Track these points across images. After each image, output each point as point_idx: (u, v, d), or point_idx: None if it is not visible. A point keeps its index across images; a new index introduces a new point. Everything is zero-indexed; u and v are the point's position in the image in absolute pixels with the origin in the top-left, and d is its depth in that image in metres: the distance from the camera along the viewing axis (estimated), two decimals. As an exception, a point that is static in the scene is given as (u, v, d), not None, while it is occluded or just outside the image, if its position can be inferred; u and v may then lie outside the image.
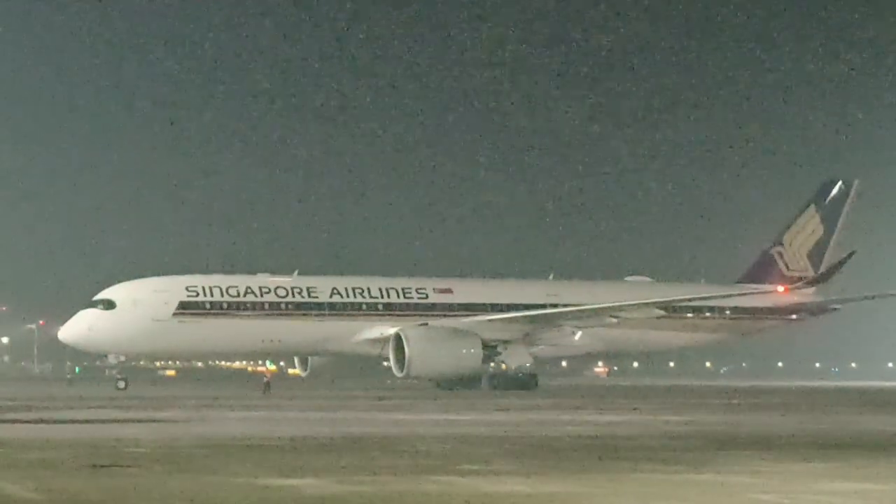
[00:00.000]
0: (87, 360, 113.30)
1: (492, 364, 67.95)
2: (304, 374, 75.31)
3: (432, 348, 64.89)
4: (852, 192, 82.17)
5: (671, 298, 72.46)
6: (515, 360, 68.67)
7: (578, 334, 70.94)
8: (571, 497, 15.00)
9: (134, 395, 56.76)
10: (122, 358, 66.63)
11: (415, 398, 53.23)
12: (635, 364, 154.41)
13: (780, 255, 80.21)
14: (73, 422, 32.11)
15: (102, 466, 18.25)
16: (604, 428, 30.02)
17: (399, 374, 65.08)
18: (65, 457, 19.93)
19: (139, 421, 32.52)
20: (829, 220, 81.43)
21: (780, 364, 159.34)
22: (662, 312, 71.38)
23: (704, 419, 35.23)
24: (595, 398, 54.19)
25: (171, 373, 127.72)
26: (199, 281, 66.37)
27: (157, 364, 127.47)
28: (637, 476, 17.72)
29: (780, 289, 72.89)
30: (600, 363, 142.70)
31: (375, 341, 67.23)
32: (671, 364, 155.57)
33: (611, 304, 69.64)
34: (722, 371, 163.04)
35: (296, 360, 75.43)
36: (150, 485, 15.86)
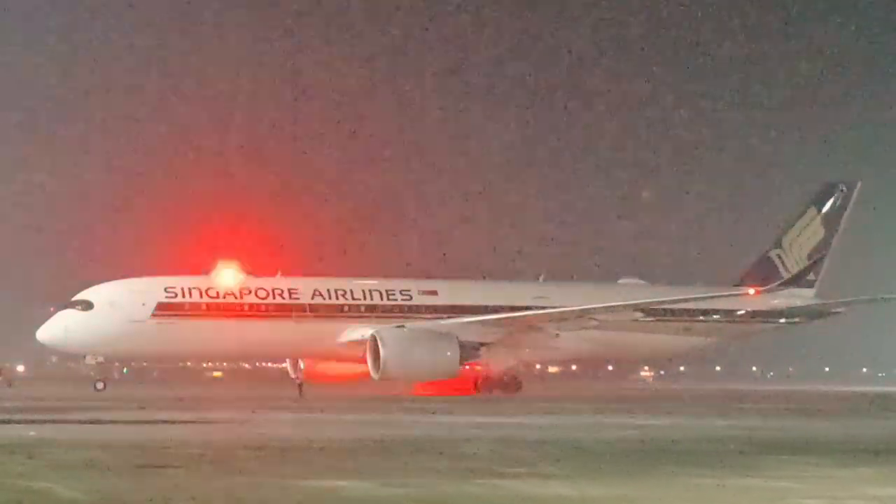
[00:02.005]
0: (134, 361, 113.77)
1: (478, 366, 67.18)
2: (294, 376, 74.75)
3: (408, 350, 63.84)
4: (854, 195, 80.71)
5: (646, 301, 70.73)
6: (499, 363, 67.85)
7: (566, 337, 70.00)
8: (616, 501, 14.99)
9: (174, 395, 57.05)
10: (100, 359, 66.18)
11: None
12: (682, 368, 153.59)
13: (780, 257, 78.40)
14: (119, 422, 32.29)
15: (148, 467, 18.35)
16: (648, 431, 29.94)
17: (375, 376, 64.42)
18: (111, 457, 20.04)
19: (185, 422, 32.67)
20: (830, 223, 79.69)
21: (826, 369, 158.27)
22: (641, 315, 70.35)
23: (749, 423, 35.08)
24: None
25: (217, 374, 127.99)
26: (178, 282, 65.80)
27: (205, 366, 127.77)
28: (682, 480, 17.68)
29: (751, 291, 70.86)
30: (646, 367, 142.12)
31: (358, 343, 65.78)
32: (717, 368, 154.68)
33: (583, 307, 68.33)
34: (769, 375, 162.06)
35: (288, 362, 74.99)
36: (195, 486, 15.95)
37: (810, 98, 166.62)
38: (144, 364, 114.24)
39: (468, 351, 66.24)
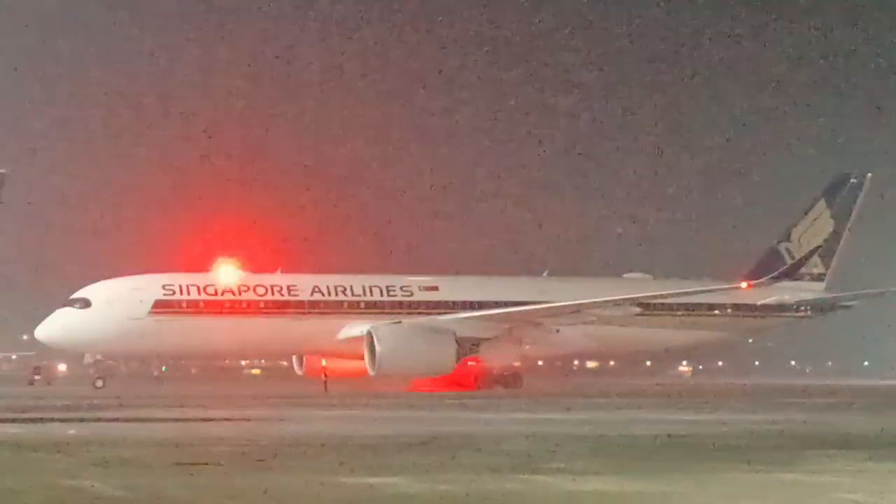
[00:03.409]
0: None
1: (477, 362, 66.70)
2: (299, 373, 74.65)
3: (404, 346, 63.45)
4: (865, 186, 79.80)
5: (640, 295, 69.62)
6: (499, 358, 67.46)
7: (567, 332, 69.53)
8: (657, 496, 14.93)
9: (208, 394, 57.21)
10: (99, 357, 66.26)
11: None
12: (720, 363, 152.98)
13: (788, 250, 77.35)
14: (159, 420, 32.42)
15: (187, 464, 18.40)
16: (688, 427, 29.84)
17: (371, 373, 64.15)
18: (151, 455, 20.11)
19: (223, 420, 32.76)
20: (841, 216, 78.53)
21: (865, 363, 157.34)
22: (639, 310, 69.73)
23: (790, 418, 34.92)
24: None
25: (256, 371, 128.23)
26: (176, 279, 65.79)
27: (243, 363, 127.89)
28: (722, 476, 17.60)
29: (744, 285, 69.81)
30: (684, 362, 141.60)
31: (357, 340, 65.21)
32: (756, 363, 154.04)
33: (577, 302, 67.89)
34: (807, 370, 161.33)
35: (293, 358, 74.84)
36: (234, 483, 15.98)
37: (821, 89, 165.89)
38: (183, 362, 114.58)
39: (466, 347, 65.90)
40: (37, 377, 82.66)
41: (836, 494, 15.44)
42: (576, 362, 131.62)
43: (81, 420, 32.12)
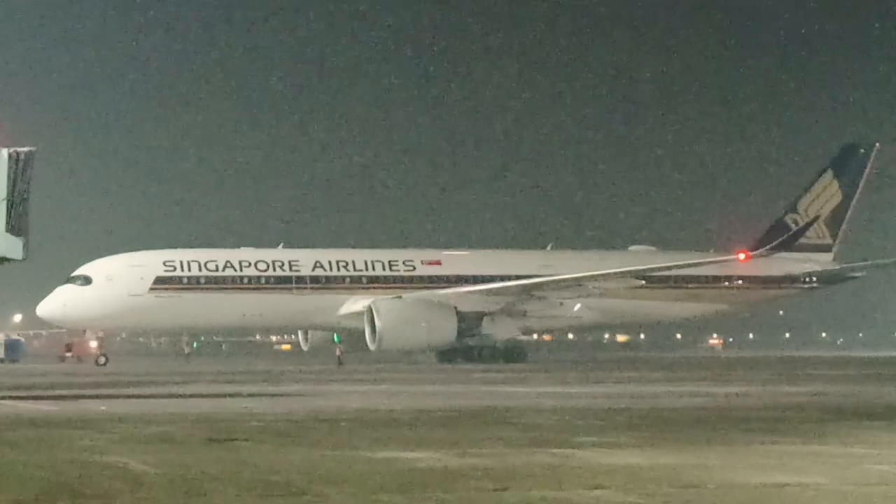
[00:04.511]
0: (205, 336, 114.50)
1: (474, 336, 66.60)
2: (305, 348, 74.65)
3: (404, 321, 63.58)
4: (872, 157, 79.09)
5: (638, 268, 69.42)
6: (502, 331, 67.27)
7: (577, 305, 69.33)
8: (689, 468, 14.88)
9: (234, 370, 57.32)
10: (101, 334, 66.48)
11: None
12: (751, 335, 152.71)
13: (795, 222, 76.80)
14: (190, 396, 32.52)
15: (218, 440, 18.43)
16: (719, 400, 29.78)
17: (372, 347, 63.93)
18: (182, 431, 20.16)
19: (254, 395, 32.84)
20: (848, 187, 78.07)
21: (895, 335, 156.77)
22: (641, 282, 69.45)
23: (818, 390, 34.81)
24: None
25: (286, 347, 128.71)
26: (177, 255, 65.85)
27: (274, 339, 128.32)
28: (754, 447, 17.53)
29: (742, 256, 69.46)
30: (714, 335, 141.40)
31: (360, 315, 65.58)
32: (787, 335, 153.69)
33: (579, 275, 67.52)
34: (839, 342, 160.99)
35: (299, 334, 74.78)
36: (266, 459, 15.98)
37: (829, 61, 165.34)
38: (214, 338, 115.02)
39: (468, 321, 65.77)
40: (68, 354, 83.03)
41: (867, 465, 15.35)
42: (606, 335, 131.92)
43: (113, 396, 32.24)
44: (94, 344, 67.31)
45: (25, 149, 29.16)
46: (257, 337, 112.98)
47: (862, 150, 78.81)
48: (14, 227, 29.17)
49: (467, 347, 66.90)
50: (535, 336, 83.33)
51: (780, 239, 72.44)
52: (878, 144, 79.79)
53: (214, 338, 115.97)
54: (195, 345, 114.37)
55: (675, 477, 14.01)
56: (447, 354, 67.06)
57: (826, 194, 77.82)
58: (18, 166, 28.97)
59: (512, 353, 66.55)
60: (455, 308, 65.35)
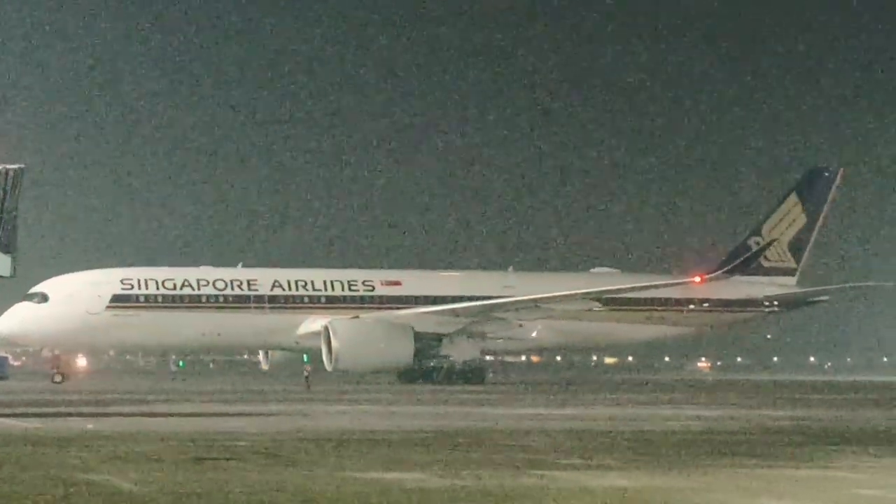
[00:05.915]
0: (191, 355, 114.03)
1: (433, 359, 66.29)
2: (265, 368, 74.22)
3: (360, 341, 62.78)
4: (836, 181, 79.13)
5: (597, 290, 68.71)
6: (461, 353, 66.79)
7: (530, 326, 68.99)
8: (672, 492, 14.94)
9: (212, 389, 57.13)
10: (57, 352, 66.01)
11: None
12: (738, 359, 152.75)
13: (759, 244, 76.52)
14: (177, 415, 32.49)
15: (205, 459, 18.45)
16: (703, 423, 29.84)
17: (329, 368, 63.48)
18: (168, 450, 20.17)
19: (241, 414, 32.83)
20: (813, 211, 77.66)
21: (885, 359, 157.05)
22: (598, 304, 69.21)
23: (807, 414, 34.88)
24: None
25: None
26: (134, 273, 65.24)
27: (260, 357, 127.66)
28: (737, 471, 17.61)
29: (697, 279, 69.18)
30: (703, 358, 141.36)
31: (318, 335, 64.34)
32: (775, 359, 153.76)
33: (537, 296, 67.18)
34: (826, 366, 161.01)
35: (260, 353, 74.31)
36: (252, 478, 16.02)
37: (794, 85, 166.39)
38: (201, 357, 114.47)
39: (426, 342, 65.39)
40: (54, 371, 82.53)
41: (851, 490, 15.43)
42: (594, 357, 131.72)
43: (100, 415, 32.18)
44: (82, 363, 66.90)
45: (14, 166, 29.18)
46: (245, 356, 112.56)
47: (826, 174, 78.79)
48: (2, 244, 29.18)
49: (427, 368, 66.58)
50: (522, 357, 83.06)
51: (736, 262, 72.31)
52: (842, 169, 79.92)
53: (202, 357, 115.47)
54: (181, 364, 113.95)
55: (662, 500, 14.06)
56: (407, 375, 66.65)
57: (790, 218, 77.66)
58: (7, 183, 28.99)
59: (471, 375, 66.07)
60: (413, 329, 64.95)
